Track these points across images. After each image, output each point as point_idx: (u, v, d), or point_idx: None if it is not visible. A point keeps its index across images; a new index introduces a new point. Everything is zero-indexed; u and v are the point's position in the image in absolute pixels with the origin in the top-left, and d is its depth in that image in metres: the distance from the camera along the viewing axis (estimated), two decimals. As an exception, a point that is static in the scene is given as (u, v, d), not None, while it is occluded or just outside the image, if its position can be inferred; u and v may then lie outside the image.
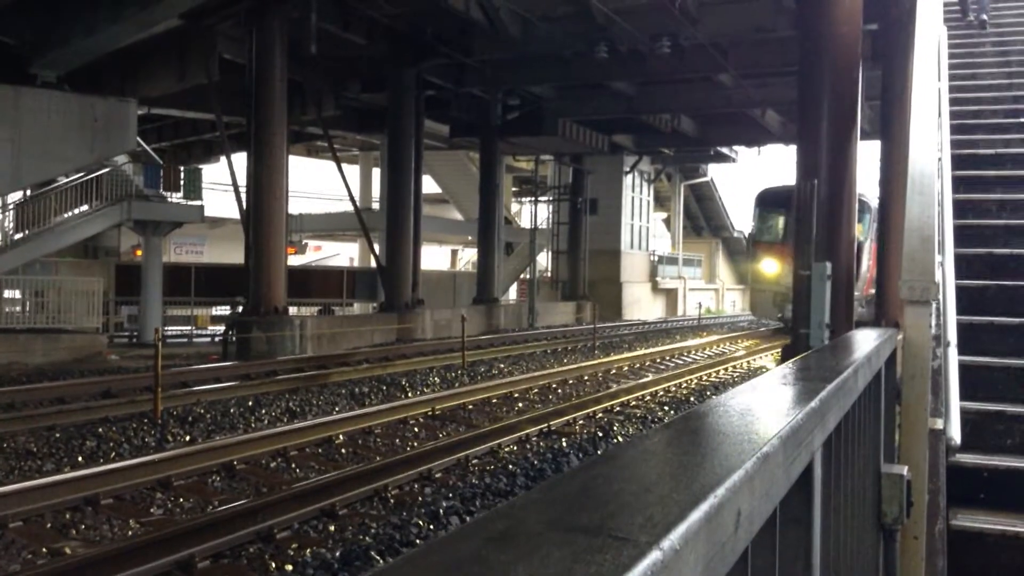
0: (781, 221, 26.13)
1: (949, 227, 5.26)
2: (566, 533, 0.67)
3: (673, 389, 15.29)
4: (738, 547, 0.84)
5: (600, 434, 11.20)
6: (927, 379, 3.72)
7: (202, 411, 11.92)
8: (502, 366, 18.08)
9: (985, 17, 10.89)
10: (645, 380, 16.10)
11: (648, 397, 14.29)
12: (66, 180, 22.95)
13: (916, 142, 4.74)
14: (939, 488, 3.83)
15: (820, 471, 1.46)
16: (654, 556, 0.62)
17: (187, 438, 10.40)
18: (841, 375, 1.70)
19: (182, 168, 26.99)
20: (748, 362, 19.91)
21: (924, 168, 4.46)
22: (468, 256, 52.85)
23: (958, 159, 6.70)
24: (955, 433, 3.95)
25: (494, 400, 13.54)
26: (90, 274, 23.18)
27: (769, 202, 27.22)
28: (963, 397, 4.35)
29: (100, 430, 10.53)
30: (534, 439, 10.80)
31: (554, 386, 15.21)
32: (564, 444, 10.56)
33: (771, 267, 25.94)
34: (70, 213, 23.10)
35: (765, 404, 1.44)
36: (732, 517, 0.80)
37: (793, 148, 16.73)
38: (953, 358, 4.29)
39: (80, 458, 9.27)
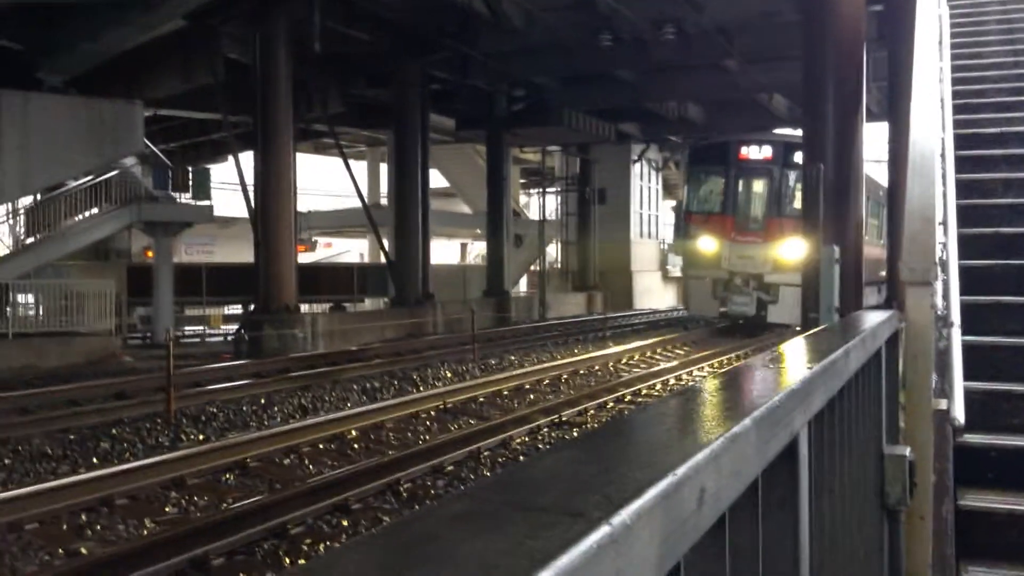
0: (721, 184, 20.91)
1: (952, 207, 5.25)
2: (524, 512, 0.69)
3: (685, 377, 15.28)
4: (702, 523, 0.85)
5: (611, 423, 11.21)
6: (930, 360, 3.72)
7: (215, 410, 12.00)
8: (513, 358, 18.11)
9: None
10: (657, 368, 16.11)
11: (660, 386, 14.30)
12: (75, 184, 23.10)
13: (917, 124, 4.73)
14: (945, 468, 3.83)
15: (806, 452, 1.47)
16: (603, 530, 0.64)
17: (200, 437, 10.47)
18: (830, 356, 1.71)
19: (190, 169, 27.11)
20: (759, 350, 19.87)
21: (924, 150, 4.45)
22: (478, 249, 52.84)
23: (962, 139, 6.67)
24: (959, 413, 3.95)
25: (505, 392, 13.57)
26: (102, 276, 23.29)
27: (705, 159, 21.65)
28: (970, 377, 4.34)
29: (114, 431, 10.62)
30: (545, 429, 10.83)
31: (565, 377, 15.23)
32: (575, 434, 10.58)
33: (709, 245, 20.47)
34: (80, 216, 23.26)
35: (745, 386, 1.45)
36: (694, 494, 0.82)
37: (801, 132, 16.59)
38: (957, 338, 4.28)
39: (94, 459, 9.36)
